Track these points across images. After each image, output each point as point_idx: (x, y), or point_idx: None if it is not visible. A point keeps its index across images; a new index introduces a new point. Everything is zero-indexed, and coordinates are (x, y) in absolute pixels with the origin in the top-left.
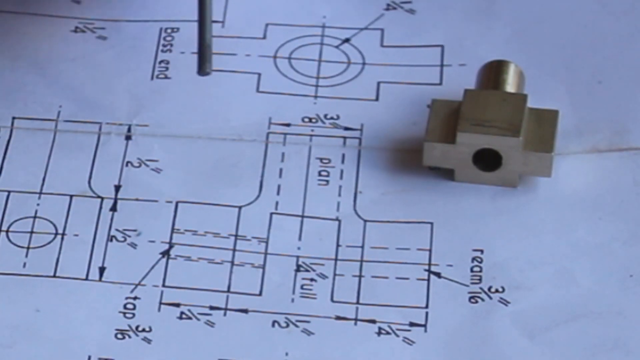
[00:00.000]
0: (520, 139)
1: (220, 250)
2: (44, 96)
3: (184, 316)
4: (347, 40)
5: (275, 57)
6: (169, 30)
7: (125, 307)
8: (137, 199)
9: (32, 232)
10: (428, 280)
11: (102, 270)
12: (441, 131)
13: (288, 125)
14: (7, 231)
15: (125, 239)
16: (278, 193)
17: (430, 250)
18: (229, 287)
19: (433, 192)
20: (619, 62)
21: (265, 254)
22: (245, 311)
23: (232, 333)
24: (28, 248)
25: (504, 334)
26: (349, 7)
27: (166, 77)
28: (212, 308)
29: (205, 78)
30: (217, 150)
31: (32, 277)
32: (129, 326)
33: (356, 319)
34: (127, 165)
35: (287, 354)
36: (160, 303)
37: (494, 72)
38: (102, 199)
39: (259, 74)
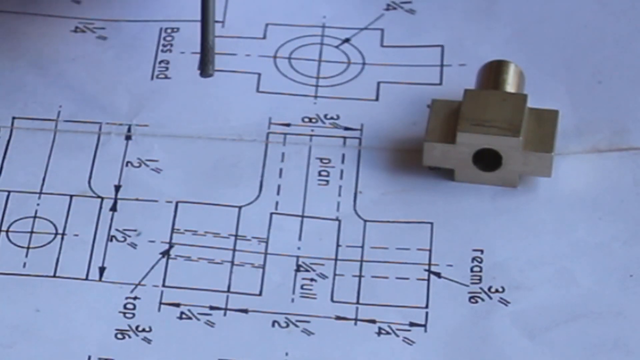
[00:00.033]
0: (520, 139)
1: (220, 250)
2: (44, 96)
3: (184, 316)
4: (347, 40)
5: (275, 57)
6: (169, 30)
7: (125, 307)
8: (137, 199)
9: (32, 232)
10: (428, 280)
11: (102, 270)
12: (441, 131)
13: (288, 125)
14: (7, 231)
15: (125, 239)
16: (278, 193)
17: (430, 250)
18: (229, 287)
19: (433, 192)
20: (619, 62)
21: (265, 254)
22: (245, 311)
23: (232, 333)
24: (28, 248)
25: (504, 334)
26: (349, 7)
27: (166, 77)
28: (212, 308)
29: (205, 78)
30: (217, 150)
31: (32, 277)
32: (129, 326)
33: (356, 319)
34: (127, 165)
35: (287, 354)
36: (160, 303)
37: (494, 72)
38: (102, 199)
39: (259, 74)
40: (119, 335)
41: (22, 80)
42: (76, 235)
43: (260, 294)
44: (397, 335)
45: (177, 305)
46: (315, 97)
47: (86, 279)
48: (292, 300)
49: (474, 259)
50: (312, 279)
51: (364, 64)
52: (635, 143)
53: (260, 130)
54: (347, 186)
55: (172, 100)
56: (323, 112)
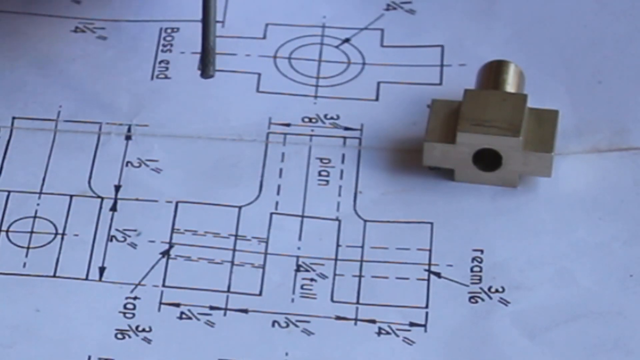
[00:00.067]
0: (520, 139)
1: (220, 250)
2: (44, 96)
3: (184, 316)
4: (347, 40)
5: (275, 57)
6: (169, 30)
7: (125, 307)
8: (137, 199)
9: (32, 232)
10: (428, 280)
11: (102, 270)
12: (441, 131)
13: (288, 125)
14: (7, 231)
15: (125, 239)
16: (278, 193)
17: (430, 250)
18: (229, 287)
19: (433, 192)
20: (619, 62)
21: (265, 254)
22: (245, 311)
23: (232, 333)
24: (28, 248)
25: (504, 334)
26: (349, 7)
27: (166, 77)
28: (212, 308)
29: (206, 79)
30: (217, 150)
31: (32, 277)
32: (129, 326)
33: (356, 319)
34: (127, 165)
35: (287, 354)
36: (160, 303)
37: (494, 72)
38: (102, 199)
39: (259, 74)
40: (119, 335)
41: (22, 80)
42: (76, 235)
43: (260, 294)
44: (397, 335)
45: (177, 305)
46: (315, 97)
47: (86, 279)
48: (292, 300)
49: (474, 259)
50: (312, 279)
51: (364, 64)
52: (635, 143)
53: (260, 130)
54: (347, 186)
55: (172, 100)
56: (323, 112)
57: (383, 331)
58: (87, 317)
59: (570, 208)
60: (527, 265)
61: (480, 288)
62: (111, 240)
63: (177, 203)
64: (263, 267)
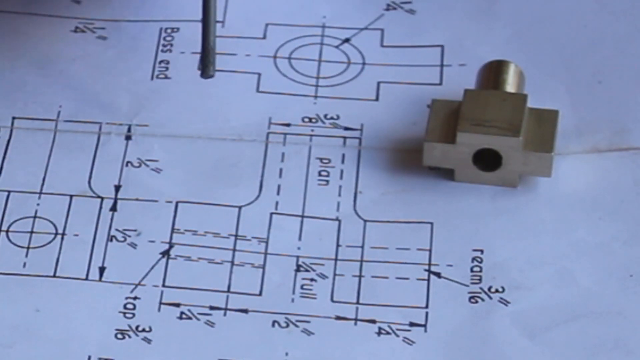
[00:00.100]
0: (520, 139)
1: (220, 250)
2: (44, 96)
3: (184, 316)
4: (347, 40)
5: (275, 57)
6: (169, 30)
7: (125, 307)
8: (137, 199)
9: (32, 232)
10: (428, 280)
11: (102, 270)
12: (441, 131)
13: (288, 125)
14: (7, 231)
15: (125, 239)
16: (278, 193)
17: (430, 250)
18: (229, 287)
19: (433, 192)
20: (619, 62)
21: (265, 254)
22: (245, 311)
23: (232, 333)
24: (28, 248)
25: (504, 334)
26: (349, 7)
27: (166, 77)
28: (212, 308)
29: (206, 79)
30: (217, 150)
31: (32, 277)
32: (129, 326)
33: (356, 319)
34: (127, 165)
35: (287, 354)
36: (160, 303)
37: (494, 72)
38: (102, 199)
39: (259, 74)
40: (119, 335)
41: (22, 80)
42: (76, 235)
43: (260, 294)
44: (397, 335)
45: (177, 305)
46: (315, 97)
47: (86, 279)
48: (292, 300)
49: (474, 259)
50: (312, 279)
51: (364, 64)
52: (635, 143)
53: (260, 130)
54: (347, 186)
55: (172, 100)
56: (323, 112)
57: (383, 331)
58: (87, 317)
59: (570, 208)
60: (527, 265)
61: (480, 288)
62: (111, 240)
63: (177, 203)
64: (263, 267)
